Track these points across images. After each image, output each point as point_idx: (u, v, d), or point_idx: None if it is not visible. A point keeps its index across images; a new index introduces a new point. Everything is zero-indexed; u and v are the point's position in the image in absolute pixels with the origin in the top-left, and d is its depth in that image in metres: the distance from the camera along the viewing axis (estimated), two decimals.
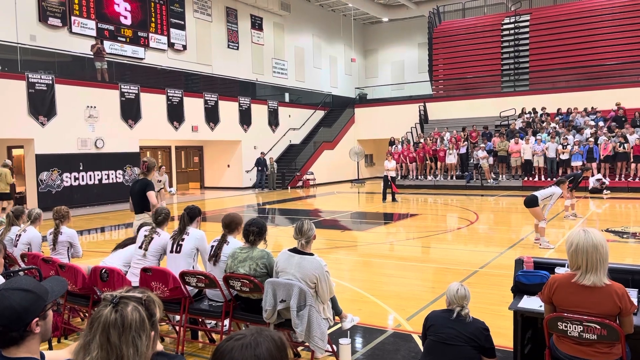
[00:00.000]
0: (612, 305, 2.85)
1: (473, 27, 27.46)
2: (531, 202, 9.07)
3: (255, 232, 4.25)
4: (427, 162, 22.20)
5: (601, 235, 2.97)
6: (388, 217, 14.49)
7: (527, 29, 25.48)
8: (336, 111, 28.96)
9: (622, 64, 22.56)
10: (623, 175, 18.38)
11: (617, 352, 2.87)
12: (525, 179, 19.82)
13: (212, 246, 4.63)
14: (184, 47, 22.87)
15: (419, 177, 22.37)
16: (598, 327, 2.84)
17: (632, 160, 18.13)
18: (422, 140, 23.10)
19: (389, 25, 33.98)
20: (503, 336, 4.18)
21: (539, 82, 24.51)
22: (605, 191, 17.44)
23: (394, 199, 17.10)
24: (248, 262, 4.16)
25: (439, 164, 21.87)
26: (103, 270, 4.70)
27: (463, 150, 21.60)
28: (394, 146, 23.35)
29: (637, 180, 18.01)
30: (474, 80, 26.24)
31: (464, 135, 22.19)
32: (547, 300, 3.08)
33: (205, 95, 21.72)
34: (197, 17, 23.52)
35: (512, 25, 25.95)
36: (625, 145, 18.14)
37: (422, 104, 26.07)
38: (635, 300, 3.32)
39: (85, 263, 5.94)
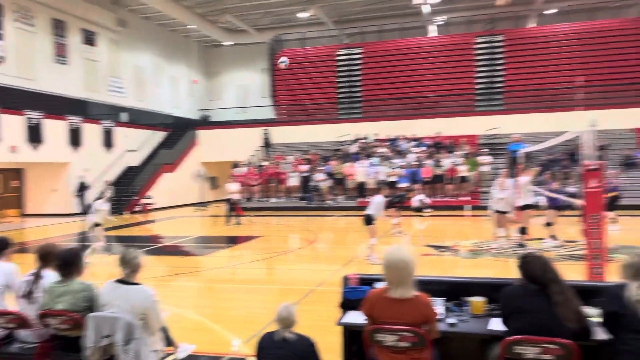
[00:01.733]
0: (419, 315, 3.19)
1: (311, 56, 28.92)
2: (368, 221, 9.78)
3: (69, 264, 3.92)
4: (270, 184, 22.60)
5: (409, 252, 3.31)
6: (232, 240, 14.40)
7: (359, 61, 27.59)
8: (178, 133, 28.16)
9: (440, 97, 25.56)
10: (442, 195, 20.67)
11: (427, 356, 3.21)
12: (360, 199, 21.22)
13: (26, 282, 4.15)
14: (2, 58, 20.44)
15: (263, 199, 22.67)
16: (410, 335, 3.14)
17: (447, 182, 20.52)
18: (265, 163, 23.50)
19: (232, 49, 34.21)
20: (334, 351, 4.39)
21: (371, 110, 26.63)
22: (426, 210, 19.41)
23: (237, 222, 17.06)
24: (67, 296, 3.82)
25: (281, 186, 22.41)
26: None
27: (304, 173, 22.43)
28: (237, 169, 23.39)
29: (453, 199, 20.37)
30: (313, 106, 27.55)
31: (305, 158, 23.09)
32: (367, 313, 3.33)
33: (27, 112, 19.59)
34: (18, 27, 21.23)
35: (346, 57, 27.89)
36: (442, 168, 20.47)
37: (265, 127, 26.60)
38: (442, 309, 3.75)
39: None
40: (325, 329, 5.45)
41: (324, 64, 28.31)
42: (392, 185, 20.41)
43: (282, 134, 26.44)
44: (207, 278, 9.57)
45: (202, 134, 27.95)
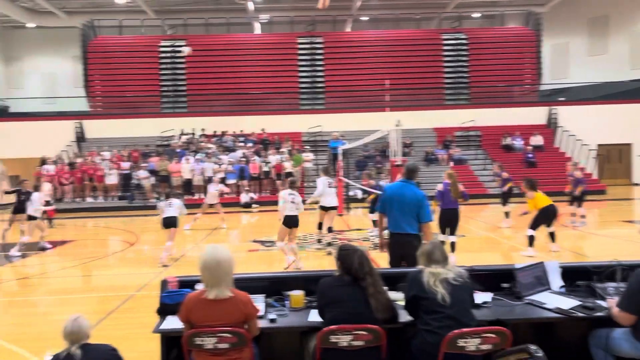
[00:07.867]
0: (238, 314, 3.17)
1: (130, 45, 27.17)
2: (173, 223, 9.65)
3: None
4: (85, 182, 20.67)
5: (226, 251, 3.24)
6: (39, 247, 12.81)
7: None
8: None
9: (264, 94, 25.96)
10: (269, 191, 21.05)
11: (247, 355, 3.21)
12: (186, 197, 20.58)
13: None
14: None
15: (77, 199, 20.65)
16: (229, 335, 3.11)
17: (275, 177, 20.97)
18: (78, 160, 21.43)
19: (37, 32, 30.44)
20: (151, 359, 4.17)
21: (196, 105, 25.96)
22: (254, 205, 19.62)
23: (50, 225, 15.28)
24: None
25: (97, 184, 20.67)
26: None
27: (124, 171, 21.00)
28: (45, 166, 20.93)
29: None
30: (134, 99, 25.91)
31: (125, 154, 21.62)
32: (185, 319, 3.21)
33: None
34: None
35: (169, 49, 26.75)
36: (269, 165, 20.86)
37: (79, 120, 24.26)
38: (262, 305, 3.79)
39: None
40: (143, 337, 5.15)
41: (146, 54, 26.83)
42: (222, 181, 20.26)
43: (99, 128, 24.40)
44: (9, 292, 8.42)
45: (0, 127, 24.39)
